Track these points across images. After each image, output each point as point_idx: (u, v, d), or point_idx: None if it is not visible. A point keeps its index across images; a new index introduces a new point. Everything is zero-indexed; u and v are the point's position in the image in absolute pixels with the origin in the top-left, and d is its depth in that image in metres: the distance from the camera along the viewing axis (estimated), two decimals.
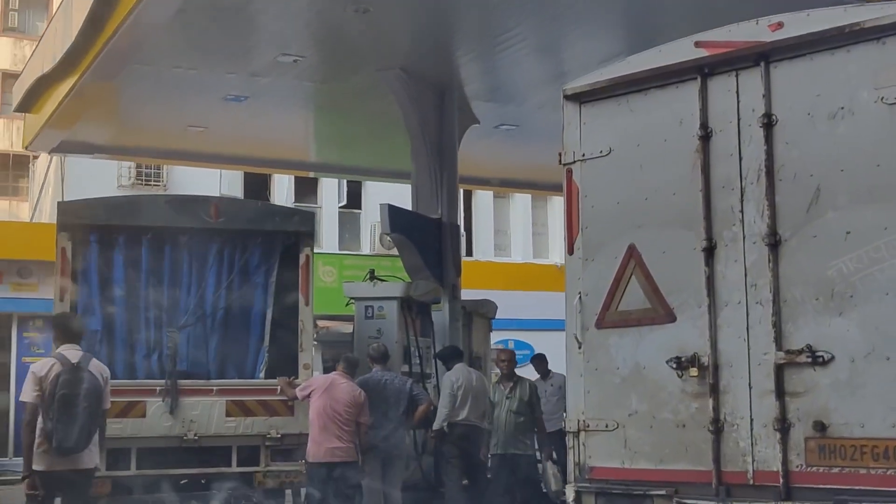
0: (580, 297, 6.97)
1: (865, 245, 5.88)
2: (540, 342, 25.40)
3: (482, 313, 15.60)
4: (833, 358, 5.93)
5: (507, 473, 11.25)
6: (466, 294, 15.24)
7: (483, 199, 29.57)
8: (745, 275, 6.30)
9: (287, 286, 11.54)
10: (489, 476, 11.47)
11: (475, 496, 12.09)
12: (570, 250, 7.10)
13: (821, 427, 5.95)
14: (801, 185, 6.16)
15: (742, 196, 6.37)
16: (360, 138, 18.55)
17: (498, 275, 26.23)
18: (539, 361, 14.98)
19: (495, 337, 17.63)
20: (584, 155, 7.07)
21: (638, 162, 6.84)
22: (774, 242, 6.20)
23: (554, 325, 26.67)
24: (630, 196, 6.86)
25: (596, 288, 6.93)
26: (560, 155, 7.17)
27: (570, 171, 7.15)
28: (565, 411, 14.07)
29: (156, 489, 10.73)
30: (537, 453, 12.07)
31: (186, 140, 18.69)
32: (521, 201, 29.81)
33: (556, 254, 29.74)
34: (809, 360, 5.99)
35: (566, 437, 6.98)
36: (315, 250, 25.01)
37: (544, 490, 11.43)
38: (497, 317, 16.12)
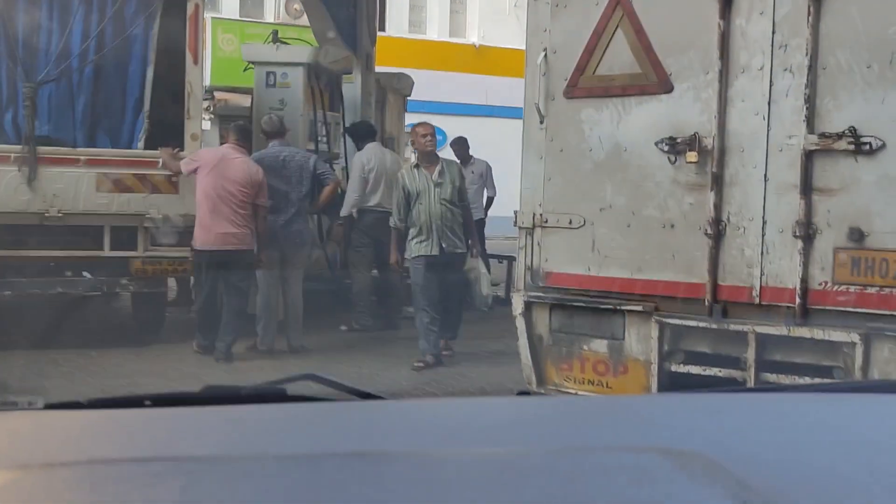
0: (545, 54, 5.37)
1: None
2: (456, 128, 23.91)
3: (397, 89, 14.13)
4: (884, 146, 4.54)
5: (439, 279, 8.86)
6: (378, 72, 13.61)
7: None
8: (773, 32, 4.79)
9: (172, 40, 9.66)
10: (412, 282, 9.54)
11: (385, 289, 10.86)
12: None
13: (858, 235, 4.60)
14: None
15: None
16: None
17: (412, 53, 24.39)
18: (459, 145, 13.52)
19: (408, 119, 16.13)
20: None
21: None
22: None
23: (472, 111, 25.30)
24: None
25: (567, 43, 5.34)
26: None
27: None
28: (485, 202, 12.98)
29: (12, 274, 9.10)
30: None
31: None
32: None
33: (474, 32, 27.82)
34: (852, 146, 4.58)
35: (519, 236, 5.50)
36: (213, 15, 22.83)
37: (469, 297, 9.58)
38: (411, 97, 14.58)
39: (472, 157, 13.45)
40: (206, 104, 14.27)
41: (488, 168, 13.25)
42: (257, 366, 8.73)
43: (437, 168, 8.84)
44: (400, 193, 8.93)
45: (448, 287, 8.91)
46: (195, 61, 9.67)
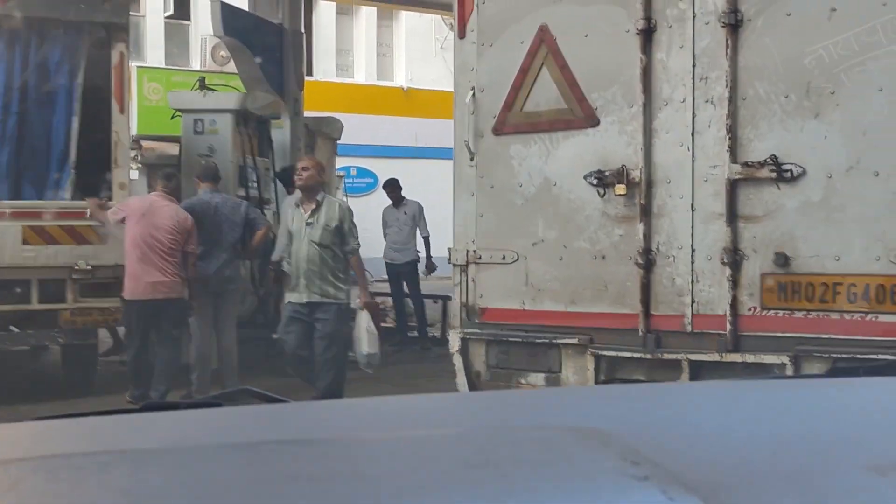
0: (473, 93, 5.43)
1: (856, 26, 4.51)
2: (386, 170, 24.00)
3: (327, 133, 14.13)
4: (804, 172, 4.64)
5: (304, 330, 7.90)
6: (307, 116, 13.63)
7: (324, 13, 27.34)
8: (694, 65, 4.90)
9: (97, 90, 9.58)
10: (279, 336, 8.92)
11: None
12: (462, 33, 5.51)
13: (783, 260, 4.69)
14: None
15: None
16: None
17: (340, 97, 24.41)
18: (392, 187, 13.54)
19: (338, 163, 16.15)
20: None
21: None
22: (734, 22, 4.78)
23: (400, 153, 25.36)
24: None
25: (494, 82, 5.41)
26: None
27: None
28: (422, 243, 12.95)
29: None
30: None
31: None
32: (365, 18, 27.73)
33: (401, 76, 27.99)
34: (774, 174, 4.69)
35: (453, 273, 5.53)
36: (139, 64, 22.66)
37: (351, 355, 8.25)
38: (340, 140, 14.61)
39: (404, 198, 13.50)
40: (133, 153, 14.14)
41: (420, 209, 13.30)
42: None
43: (312, 206, 7.84)
44: (282, 230, 8.31)
45: (321, 341, 7.88)
46: (121, 110, 9.60)
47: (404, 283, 13.23)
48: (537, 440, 1.18)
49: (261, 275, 11.15)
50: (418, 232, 13.27)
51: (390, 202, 13.53)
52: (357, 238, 8.12)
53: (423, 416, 1.47)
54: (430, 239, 13.08)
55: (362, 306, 8.03)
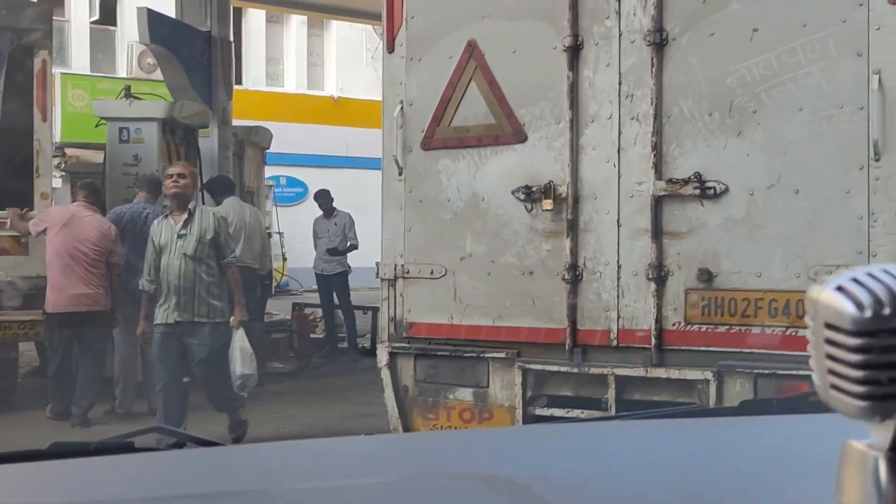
0: (401, 107, 5.42)
1: (778, 46, 4.60)
2: (316, 180, 23.87)
3: (256, 142, 14.03)
4: (727, 190, 4.71)
5: (178, 355, 7.17)
6: (235, 125, 13.50)
7: (254, 22, 27.13)
8: (620, 82, 4.95)
9: (18, 97, 9.38)
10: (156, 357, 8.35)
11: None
12: (391, 47, 5.50)
13: (707, 276, 4.75)
14: None
15: None
16: None
17: (270, 106, 24.22)
18: (323, 198, 13.47)
19: (268, 172, 16.03)
20: None
21: None
22: (660, 41, 4.85)
23: (330, 162, 25.22)
24: None
25: (423, 97, 5.41)
26: None
27: None
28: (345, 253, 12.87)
29: None
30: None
31: None
32: (295, 26, 27.57)
33: (331, 85, 27.89)
34: (697, 191, 4.76)
35: (381, 287, 5.51)
36: (63, 70, 22.26)
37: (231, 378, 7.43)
38: (270, 150, 14.51)
39: (335, 208, 13.43)
40: (56, 160, 13.89)
41: (351, 220, 13.25)
42: (116, 429, 8.42)
43: (184, 217, 7.16)
44: (149, 246, 7.46)
45: (199, 367, 7.26)
46: (43, 119, 9.43)
47: (334, 294, 13.17)
48: (446, 489, 1.17)
49: None
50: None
51: (321, 212, 13.47)
52: (234, 250, 7.74)
53: (340, 463, 1.45)
54: (361, 248, 13.01)
55: (237, 325, 7.37)
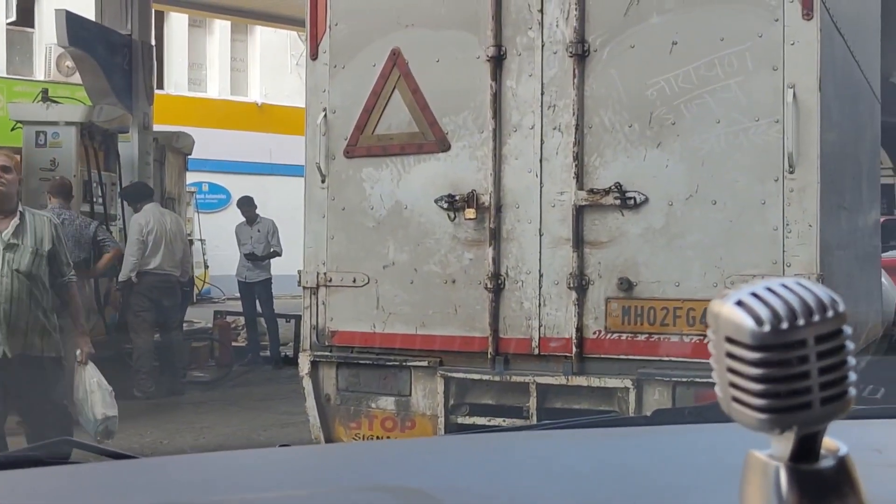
0: (325, 115, 5.41)
1: (696, 60, 4.68)
2: (240, 186, 23.64)
3: (177, 147, 13.81)
4: (647, 200, 4.78)
5: (3, 397, 5.67)
6: (157, 130, 13.33)
7: (176, 26, 26.80)
8: (542, 93, 5.00)
9: None
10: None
11: (168, 354, 10.57)
12: (314, 54, 5.47)
13: (627, 285, 4.82)
14: None
15: None
16: None
17: (192, 111, 23.94)
18: (246, 205, 13.35)
19: (190, 178, 15.84)
20: None
21: None
22: (581, 52, 4.91)
23: (253, 169, 24.99)
24: None
25: (346, 104, 5.39)
26: None
27: None
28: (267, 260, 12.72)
29: None
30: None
31: None
32: (219, 31, 27.30)
33: (255, 91, 27.66)
34: (618, 201, 4.82)
35: (303, 295, 5.48)
36: None
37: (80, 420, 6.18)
38: (192, 156, 14.34)
39: (258, 215, 13.33)
40: None
41: (274, 226, 13.16)
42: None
43: (15, 222, 5.52)
44: None
45: (32, 412, 5.75)
46: None
47: (257, 302, 13.06)
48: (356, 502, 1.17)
49: (106, 294, 10.83)
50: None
51: (244, 219, 13.35)
52: (71, 265, 6.04)
53: (253, 476, 1.44)
54: (284, 255, 12.90)
55: (83, 359, 5.97)
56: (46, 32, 23.43)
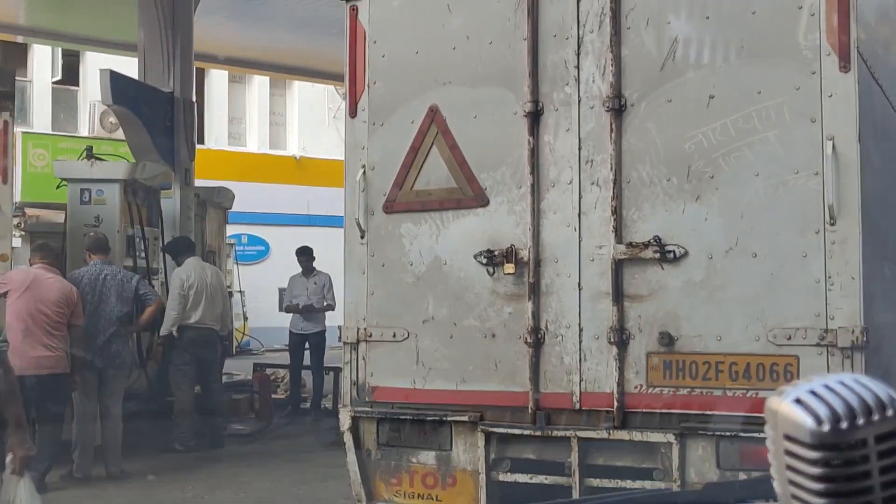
0: (364, 171, 5.46)
1: (733, 113, 4.70)
2: (276, 238, 23.84)
3: (218, 202, 13.99)
4: (686, 253, 4.77)
5: None
6: (199, 184, 13.48)
7: (217, 82, 27.22)
8: (580, 148, 5.02)
9: None
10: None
11: (209, 408, 10.61)
12: (353, 112, 5.55)
13: (668, 339, 4.79)
14: (654, 35, 4.87)
15: (579, 47, 5.04)
16: None
17: (232, 165, 24.24)
18: (305, 254, 13.00)
19: (229, 231, 15.98)
20: None
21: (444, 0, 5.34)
22: (618, 107, 4.94)
23: (292, 220, 25.16)
24: (433, 44, 5.38)
25: (385, 161, 5.45)
26: None
27: (354, 10, 5.56)
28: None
29: None
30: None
31: None
32: (258, 86, 27.68)
33: (294, 145, 27.96)
34: (657, 255, 4.81)
35: (343, 350, 5.50)
36: (24, 129, 22.15)
37: None
38: (232, 209, 14.48)
39: (314, 268, 13.10)
40: (16, 220, 13.78)
41: (330, 281, 12.71)
42: (73, 495, 8.32)
43: None
44: None
45: None
46: (3, 181, 9.38)
47: (306, 354, 12.83)
48: None
49: (148, 348, 10.92)
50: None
51: (299, 270, 13.08)
52: (9, 343, 4.60)
53: None
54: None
55: (17, 467, 4.55)
56: (91, 90, 23.88)
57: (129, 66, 14.04)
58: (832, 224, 4.48)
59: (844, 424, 0.78)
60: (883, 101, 5.26)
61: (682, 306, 4.79)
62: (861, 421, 0.78)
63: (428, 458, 5.34)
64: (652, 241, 4.82)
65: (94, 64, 23.41)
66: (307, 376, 13.08)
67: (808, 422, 0.78)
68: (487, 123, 5.23)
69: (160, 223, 12.04)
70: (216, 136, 27.04)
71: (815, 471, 0.79)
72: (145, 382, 10.95)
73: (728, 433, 4.63)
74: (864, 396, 0.80)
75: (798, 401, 0.80)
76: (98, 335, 9.02)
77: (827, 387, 0.80)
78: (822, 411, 0.78)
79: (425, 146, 5.32)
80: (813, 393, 0.81)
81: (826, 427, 0.78)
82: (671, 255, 4.79)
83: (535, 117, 5.10)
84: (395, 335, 5.38)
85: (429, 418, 5.29)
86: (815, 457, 0.79)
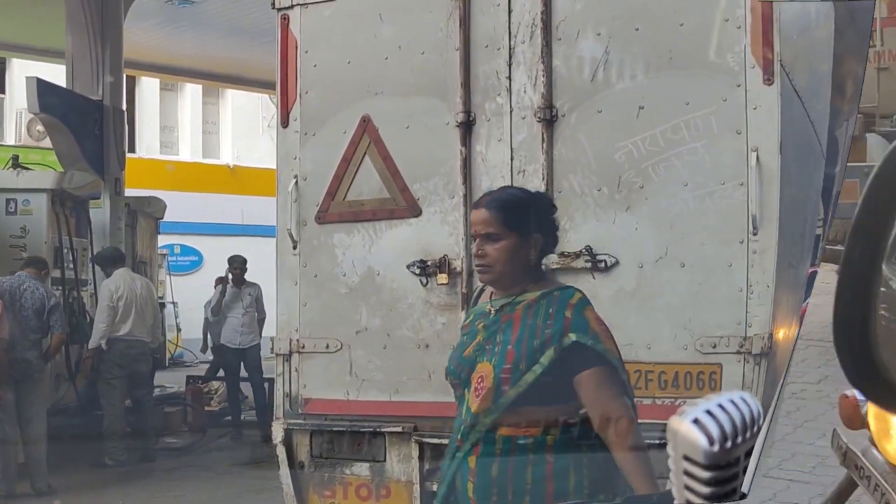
0: (296, 181, 5.44)
1: (662, 123, 4.76)
2: (209, 247, 23.58)
3: (149, 212, 13.82)
4: (617, 263, 4.82)
5: None
6: (129, 194, 13.30)
7: (148, 89, 26.87)
8: (512, 158, 5.05)
9: None
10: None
11: (139, 421, 10.44)
12: (285, 122, 5.52)
13: None
14: (585, 46, 4.92)
15: (510, 58, 5.06)
16: (3, 3, 15.66)
17: (164, 174, 23.94)
18: (237, 264, 12.61)
19: (161, 241, 15.76)
20: None
21: (377, 9, 5.34)
22: (549, 118, 4.98)
23: (226, 230, 24.89)
24: (365, 53, 5.38)
25: (317, 171, 5.43)
26: None
27: (285, 19, 5.53)
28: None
29: None
30: None
31: None
32: (190, 95, 27.39)
33: (227, 153, 27.71)
34: (589, 264, 4.85)
35: (276, 362, 5.46)
36: None
37: None
38: (163, 219, 14.29)
39: (245, 279, 12.74)
40: None
41: (260, 291, 12.29)
42: None
43: None
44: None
45: None
46: None
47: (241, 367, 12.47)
48: None
49: (77, 361, 10.72)
50: None
51: (226, 280, 12.68)
52: None
53: None
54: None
55: None
56: (17, 97, 23.44)
57: (57, 74, 13.82)
58: (755, 234, 4.56)
59: (728, 444, 0.83)
60: (802, 113, 5.37)
61: (613, 315, 4.79)
62: (740, 439, 0.84)
63: (362, 469, 5.32)
64: (583, 250, 4.86)
65: (21, 71, 22.96)
66: (246, 389, 12.66)
67: (703, 443, 0.84)
68: (420, 134, 5.24)
69: (89, 233, 11.85)
70: (147, 144, 26.69)
71: (707, 490, 0.87)
72: (74, 396, 10.76)
73: (657, 441, 4.67)
74: (745, 415, 0.85)
75: (696, 421, 0.86)
76: (15, 346, 8.79)
77: (720, 406, 0.86)
78: (715, 432, 0.85)
79: (357, 156, 5.31)
80: (709, 413, 0.86)
81: (716, 448, 0.83)
82: (602, 264, 4.83)
83: (467, 128, 5.12)
84: (328, 346, 5.35)
85: (363, 430, 5.27)
86: (707, 477, 0.83)
